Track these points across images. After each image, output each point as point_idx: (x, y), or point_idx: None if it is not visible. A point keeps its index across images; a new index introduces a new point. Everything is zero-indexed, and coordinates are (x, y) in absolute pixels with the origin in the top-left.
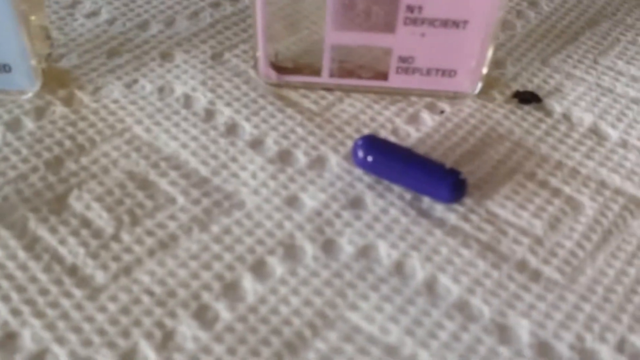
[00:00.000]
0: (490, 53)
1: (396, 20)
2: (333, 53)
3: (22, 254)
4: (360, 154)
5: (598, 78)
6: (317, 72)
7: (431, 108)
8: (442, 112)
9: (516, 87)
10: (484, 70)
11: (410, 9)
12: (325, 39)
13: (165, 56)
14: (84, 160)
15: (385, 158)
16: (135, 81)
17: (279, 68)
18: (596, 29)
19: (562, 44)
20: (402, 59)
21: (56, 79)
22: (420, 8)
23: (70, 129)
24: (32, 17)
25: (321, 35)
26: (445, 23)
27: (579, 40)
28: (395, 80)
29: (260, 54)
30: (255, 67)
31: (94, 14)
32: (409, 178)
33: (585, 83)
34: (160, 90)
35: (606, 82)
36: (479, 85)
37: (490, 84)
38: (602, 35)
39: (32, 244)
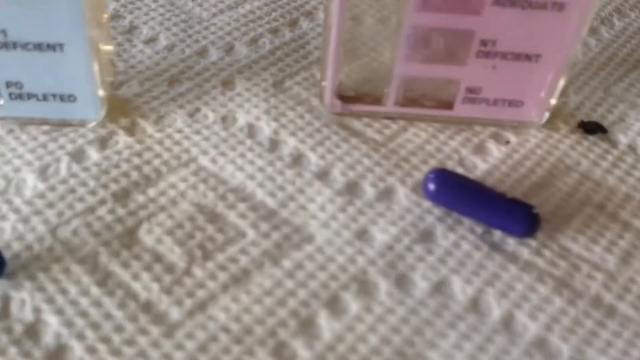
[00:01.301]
0: (561, 85)
1: (468, 53)
2: (401, 83)
3: (95, 290)
4: (432, 187)
5: None
6: (377, 100)
7: (496, 138)
8: (507, 142)
9: (580, 116)
10: (553, 102)
11: (484, 43)
12: (395, 70)
13: (227, 84)
14: (152, 192)
15: (458, 191)
16: (198, 110)
17: (341, 97)
18: None
19: (624, 72)
20: (470, 90)
21: (118, 108)
22: (494, 42)
23: (135, 160)
24: (102, 46)
25: (382, 62)
26: (517, 56)
27: None
28: (461, 110)
29: (327, 83)
30: (320, 96)
31: (152, 40)
32: (482, 212)
33: None
34: (224, 119)
35: None
36: (546, 115)
37: (553, 113)
38: None
39: (104, 279)
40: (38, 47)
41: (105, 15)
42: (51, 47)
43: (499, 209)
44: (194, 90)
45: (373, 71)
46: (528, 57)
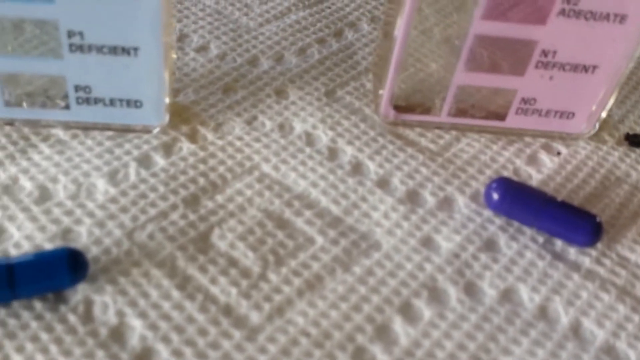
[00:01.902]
0: (613, 98)
1: (528, 64)
2: (457, 93)
3: (176, 294)
4: (496, 196)
5: None
6: (427, 110)
7: (547, 149)
8: (558, 153)
9: (624, 129)
10: (603, 114)
11: (545, 53)
12: (453, 80)
13: (280, 93)
14: (220, 198)
15: (521, 201)
16: (255, 118)
17: (395, 107)
18: None
19: None
20: (525, 101)
21: (177, 115)
22: (554, 53)
23: (201, 166)
24: (174, 55)
25: (429, 74)
26: (575, 67)
27: None
28: (513, 121)
29: (385, 93)
30: (375, 105)
31: (203, 48)
32: (545, 221)
33: None
34: (281, 127)
35: None
36: (596, 127)
37: (600, 125)
38: None
39: (184, 283)
40: (113, 50)
41: (173, 22)
42: (126, 50)
43: (563, 219)
44: (249, 98)
45: (420, 82)
46: (585, 69)
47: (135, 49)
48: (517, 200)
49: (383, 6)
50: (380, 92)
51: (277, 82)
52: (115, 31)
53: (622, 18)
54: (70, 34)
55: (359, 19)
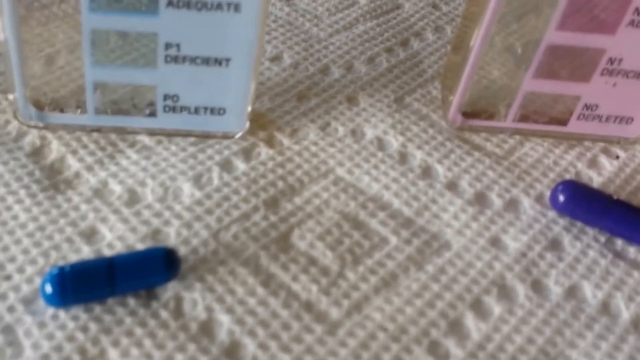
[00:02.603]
0: None
1: (594, 71)
2: (523, 99)
3: (260, 290)
4: (562, 198)
5: None
6: (491, 116)
7: (606, 153)
8: (617, 157)
9: None
10: None
11: (611, 61)
12: (522, 86)
13: (351, 100)
14: (298, 201)
15: (586, 203)
16: (328, 124)
17: (462, 112)
18: None
19: None
20: (587, 107)
21: (255, 121)
22: (620, 60)
23: (279, 170)
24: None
25: (492, 80)
26: (638, 74)
27: None
28: (574, 126)
29: (454, 100)
30: (444, 110)
31: (277, 58)
32: (607, 222)
33: None
34: (353, 132)
35: None
36: None
37: None
38: None
39: (267, 281)
40: (206, 61)
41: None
42: (218, 61)
43: (623, 220)
44: (322, 105)
45: (484, 89)
46: None
47: (227, 60)
48: (582, 202)
49: (445, 16)
50: (451, 98)
51: (348, 90)
52: (211, 43)
53: None
54: (168, 46)
55: (423, 29)
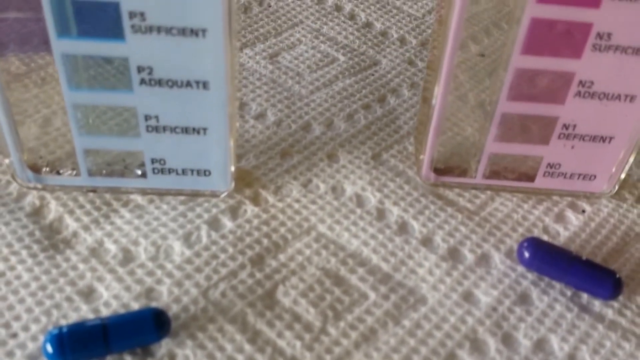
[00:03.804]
0: (631, 161)
1: (552, 135)
2: (489, 159)
3: (248, 347)
4: (527, 254)
5: None
6: (464, 172)
7: (573, 207)
8: (583, 211)
9: None
10: (622, 176)
11: (565, 126)
12: (485, 148)
13: (331, 157)
14: (282, 257)
15: (550, 259)
16: (310, 181)
17: (435, 169)
18: None
19: None
20: (550, 166)
21: (241, 179)
22: (574, 126)
23: (264, 228)
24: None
25: (465, 137)
26: (594, 138)
27: None
28: (541, 182)
29: (425, 157)
30: (417, 167)
31: (261, 115)
32: (572, 277)
33: None
34: (333, 189)
35: None
36: (616, 187)
37: (620, 184)
38: None
39: (254, 337)
40: (184, 130)
41: (237, 106)
42: (196, 130)
43: (587, 275)
44: (304, 162)
45: (457, 145)
46: (602, 139)
47: (205, 129)
48: (546, 258)
49: (421, 72)
50: (421, 157)
51: (328, 147)
52: (187, 115)
53: (631, 98)
54: (147, 118)
55: (400, 85)
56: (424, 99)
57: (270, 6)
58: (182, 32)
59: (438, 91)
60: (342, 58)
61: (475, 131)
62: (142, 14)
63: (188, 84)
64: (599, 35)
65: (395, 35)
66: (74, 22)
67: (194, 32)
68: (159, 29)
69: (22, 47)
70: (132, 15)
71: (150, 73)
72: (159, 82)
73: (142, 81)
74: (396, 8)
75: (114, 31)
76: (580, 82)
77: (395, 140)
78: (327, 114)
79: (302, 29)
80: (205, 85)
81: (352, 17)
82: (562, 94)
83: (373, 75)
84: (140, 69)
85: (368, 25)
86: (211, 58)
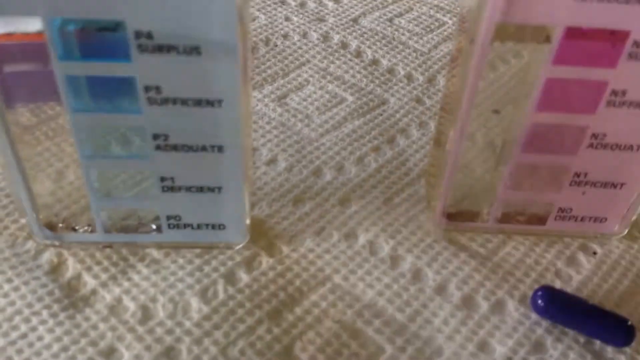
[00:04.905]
0: None
1: (563, 182)
2: (501, 204)
3: None
4: (541, 304)
5: None
6: (475, 215)
7: (584, 249)
8: (594, 253)
9: None
10: (633, 218)
11: (577, 174)
12: (498, 195)
13: (344, 202)
14: (298, 310)
15: (563, 308)
16: (323, 229)
17: (447, 214)
18: None
19: None
20: (562, 210)
21: (255, 229)
22: (585, 174)
23: (280, 280)
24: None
25: (475, 179)
26: (605, 185)
27: None
28: (553, 225)
29: (438, 203)
30: (429, 213)
31: (272, 161)
32: (586, 326)
33: None
34: (347, 237)
35: None
36: (626, 229)
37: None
38: None
39: None
40: (200, 189)
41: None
42: (211, 189)
43: (599, 324)
44: (316, 209)
45: (468, 188)
46: (614, 185)
47: (219, 188)
48: (559, 307)
49: (429, 111)
50: (434, 202)
51: (340, 192)
52: (202, 176)
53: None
54: (163, 179)
55: (408, 125)
56: (436, 142)
57: (276, 46)
58: (198, 103)
59: (454, 138)
60: (350, 98)
61: (485, 172)
62: (157, 88)
63: (204, 148)
64: (614, 93)
65: (402, 72)
66: (89, 96)
67: (209, 103)
68: (174, 101)
69: (31, 97)
70: (147, 89)
71: (165, 140)
72: (175, 148)
73: (158, 147)
74: (402, 43)
75: (130, 103)
76: (593, 134)
77: (407, 183)
78: (338, 158)
79: (309, 68)
80: (220, 149)
81: (358, 54)
82: (575, 146)
83: (382, 115)
84: (156, 137)
85: (375, 62)
86: (226, 125)
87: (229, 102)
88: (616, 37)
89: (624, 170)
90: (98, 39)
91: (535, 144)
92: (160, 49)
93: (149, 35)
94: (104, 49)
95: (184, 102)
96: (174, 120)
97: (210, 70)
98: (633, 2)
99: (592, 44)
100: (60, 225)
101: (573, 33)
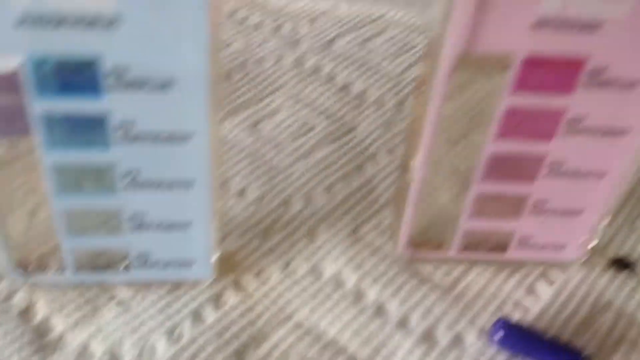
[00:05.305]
0: (600, 230)
1: (522, 210)
2: (464, 234)
3: None
4: (499, 336)
5: None
6: (440, 245)
7: (544, 277)
8: (554, 282)
9: (611, 253)
10: (591, 245)
11: (536, 202)
12: (460, 225)
13: (311, 234)
14: (266, 347)
15: (521, 340)
16: (289, 262)
17: (411, 243)
18: None
19: None
20: (522, 238)
21: (225, 263)
22: (545, 201)
23: (246, 317)
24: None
25: (439, 208)
26: (563, 212)
27: None
28: (514, 254)
29: (403, 234)
30: (394, 244)
31: (242, 192)
32: (544, 358)
33: None
34: (312, 270)
35: None
36: (584, 256)
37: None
38: None
39: None
40: (169, 226)
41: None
42: (180, 225)
43: (555, 355)
44: (284, 242)
45: (432, 216)
46: (572, 212)
47: (189, 223)
48: (517, 340)
49: (397, 137)
50: (398, 232)
51: (308, 223)
52: (173, 213)
53: (601, 175)
54: (133, 218)
55: (377, 151)
56: (403, 169)
57: (250, 71)
58: (169, 138)
59: (417, 166)
60: (321, 125)
61: (450, 201)
62: (129, 124)
63: (174, 183)
64: (572, 119)
65: (373, 98)
66: (61, 132)
67: (180, 137)
68: (145, 137)
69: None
70: (119, 125)
71: (136, 176)
72: (145, 184)
73: (129, 184)
74: (374, 67)
75: (102, 140)
76: (552, 162)
77: (374, 212)
78: (307, 187)
79: (282, 94)
80: (190, 184)
81: (330, 78)
82: (533, 174)
83: (351, 141)
84: (127, 173)
85: (346, 86)
86: (196, 160)
87: (199, 136)
88: (573, 65)
89: (582, 197)
90: (71, 76)
91: (494, 172)
92: (133, 85)
93: (121, 72)
94: (77, 86)
95: (155, 137)
96: (145, 157)
97: (181, 104)
98: (589, 31)
99: (550, 71)
100: (33, 264)
101: (531, 61)
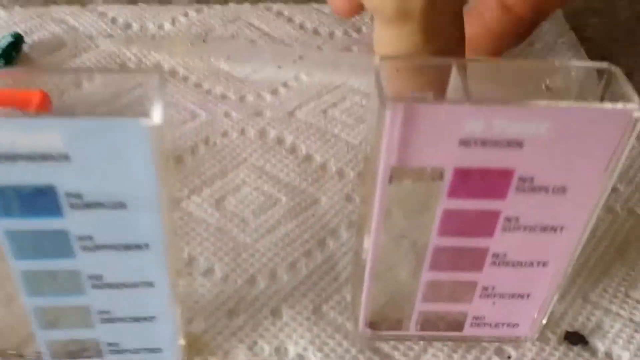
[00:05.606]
0: (549, 310)
1: (473, 295)
2: (420, 315)
3: None
4: None
5: (630, 313)
6: (399, 323)
7: (499, 354)
8: (509, 357)
9: (564, 326)
10: (544, 321)
11: (485, 288)
12: (415, 307)
13: (275, 313)
14: None
15: None
16: (255, 343)
17: (370, 322)
18: (626, 258)
19: (597, 277)
20: (476, 318)
21: (192, 346)
22: (493, 287)
23: None
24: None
25: (397, 284)
26: (512, 296)
27: (611, 272)
28: (469, 332)
29: (360, 315)
30: (355, 322)
31: (209, 271)
32: None
33: (621, 319)
34: (277, 350)
35: (637, 317)
36: (538, 332)
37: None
38: (630, 266)
39: None
40: (135, 319)
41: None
42: (145, 319)
43: None
44: (249, 322)
45: (390, 295)
46: (520, 296)
47: (153, 317)
48: None
49: (358, 209)
50: (357, 311)
51: (272, 302)
52: (137, 308)
53: (544, 263)
54: (101, 313)
55: (338, 225)
56: (357, 247)
57: (215, 144)
58: (127, 247)
59: (369, 248)
60: (284, 199)
61: (407, 278)
62: (89, 237)
63: (135, 284)
64: (507, 219)
65: (334, 169)
66: (26, 247)
67: (137, 247)
68: (106, 247)
69: None
70: (80, 239)
71: (100, 279)
72: (110, 286)
73: (94, 286)
74: (334, 136)
75: (65, 251)
76: (494, 254)
77: (335, 289)
78: (271, 265)
79: (246, 168)
80: (150, 284)
81: (293, 150)
82: (478, 264)
83: (313, 215)
84: (91, 277)
85: (308, 158)
86: (154, 265)
87: (155, 246)
88: (503, 174)
89: (528, 283)
90: (32, 200)
91: (440, 263)
92: (89, 205)
93: (78, 196)
94: (38, 208)
95: (115, 247)
96: (107, 264)
97: (135, 220)
98: (513, 146)
99: (482, 180)
100: (11, 352)
101: (462, 172)
